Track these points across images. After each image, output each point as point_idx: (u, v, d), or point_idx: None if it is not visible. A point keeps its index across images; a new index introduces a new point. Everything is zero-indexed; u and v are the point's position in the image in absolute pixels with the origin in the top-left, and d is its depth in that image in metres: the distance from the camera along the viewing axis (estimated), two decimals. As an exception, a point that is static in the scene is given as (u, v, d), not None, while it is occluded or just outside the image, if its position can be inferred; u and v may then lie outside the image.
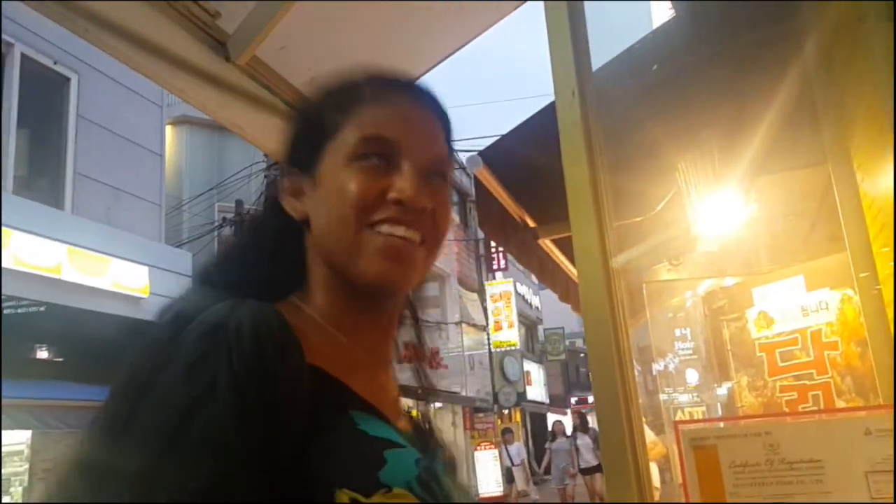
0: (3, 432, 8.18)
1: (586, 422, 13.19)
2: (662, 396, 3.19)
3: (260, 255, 0.82)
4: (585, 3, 1.42)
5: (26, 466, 8.86)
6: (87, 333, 8.53)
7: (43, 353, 9.93)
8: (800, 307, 2.29)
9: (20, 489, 8.77)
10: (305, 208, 0.80)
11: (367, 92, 0.80)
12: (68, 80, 9.47)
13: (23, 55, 8.82)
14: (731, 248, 2.85)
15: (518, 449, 14.70)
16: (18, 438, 8.76)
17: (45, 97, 9.32)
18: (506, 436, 15.17)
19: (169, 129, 11.97)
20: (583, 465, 12.66)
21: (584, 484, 12.98)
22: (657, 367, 3.23)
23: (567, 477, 13.37)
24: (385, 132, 0.76)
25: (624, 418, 1.12)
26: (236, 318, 0.63)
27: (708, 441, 1.18)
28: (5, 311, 8.37)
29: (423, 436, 0.87)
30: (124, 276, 9.05)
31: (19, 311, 8.42)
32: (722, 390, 2.83)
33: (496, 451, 19.77)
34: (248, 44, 1.56)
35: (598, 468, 11.86)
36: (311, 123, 0.82)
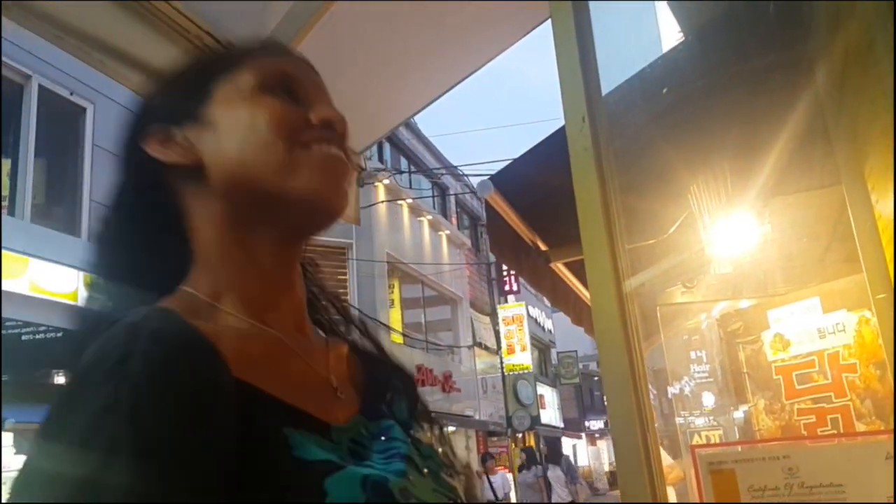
0: (21, 457, 8.18)
1: (557, 452, 11.71)
2: (678, 420, 3.16)
3: (138, 231, 0.72)
4: (595, 28, 1.43)
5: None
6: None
7: (60, 379, 9.97)
8: (816, 329, 2.27)
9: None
10: (196, 152, 0.69)
11: (253, 47, 0.77)
12: (84, 110, 9.63)
13: (40, 87, 8.98)
14: (745, 269, 2.83)
15: (503, 480, 11.56)
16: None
17: (61, 127, 9.48)
18: (486, 463, 12.06)
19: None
20: (554, 501, 10.88)
21: None
22: (673, 390, 3.20)
23: None
24: (287, 69, 0.73)
25: (641, 443, 1.11)
26: (142, 353, 0.52)
27: (726, 465, 1.16)
28: (24, 338, 8.44)
29: (382, 404, 0.75)
30: (139, 303, 9.10)
31: (37, 336, 8.49)
32: (738, 413, 2.80)
33: (510, 475, 19.58)
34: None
35: None
36: (188, 79, 0.74)
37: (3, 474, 9.02)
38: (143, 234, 0.71)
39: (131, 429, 0.48)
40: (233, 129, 0.69)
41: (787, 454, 1.15)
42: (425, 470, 0.68)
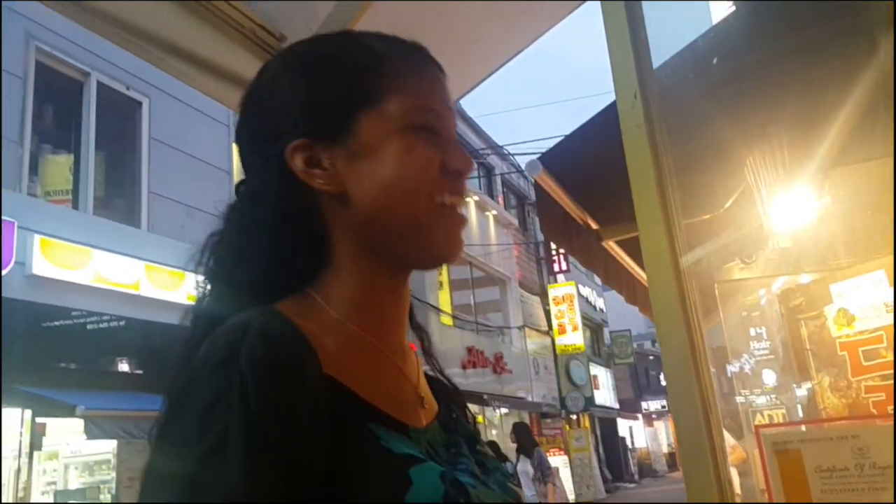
0: (91, 442, 8.56)
1: (529, 441, 9.00)
2: (739, 399, 3.10)
3: (278, 237, 0.73)
4: (644, 1, 1.40)
5: (113, 475, 9.24)
6: (164, 346, 8.82)
7: (124, 366, 10.35)
8: (882, 303, 2.20)
9: (109, 496, 9.15)
10: (341, 181, 0.73)
11: (394, 57, 0.77)
12: (140, 104, 9.91)
13: (98, 83, 9.26)
14: (805, 243, 2.76)
15: (541, 457, 8.91)
16: (105, 448, 9.14)
17: (119, 121, 9.78)
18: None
19: (236, 147, 12.30)
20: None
21: None
22: (732, 368, 3.15)
23: None
24: (429, 103, 0.76)
25: (703, 425, 1.10)
26: (249, 347, 0.60)
27: (791, 445, 1.14)
28: (89, 327, 8.78)
29: (451, 419, 0.83)
30: (198, 290, 9.36)
31: (101, 325, 8.82)
32: (802, 391, 2.74)
33: (565, 458, 19.55)
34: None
35: None
36: (335, 89, 0.75)
37: (76, 459, 9.44)
38: (277, 235, 0.73)
39: (241, 414, 0.57)
40: (379, 173, 0.73)
41: (856, 433, 1.12)
42: (491, 482, 0.74)
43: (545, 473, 8.09)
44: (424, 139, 0.74)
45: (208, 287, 0.77)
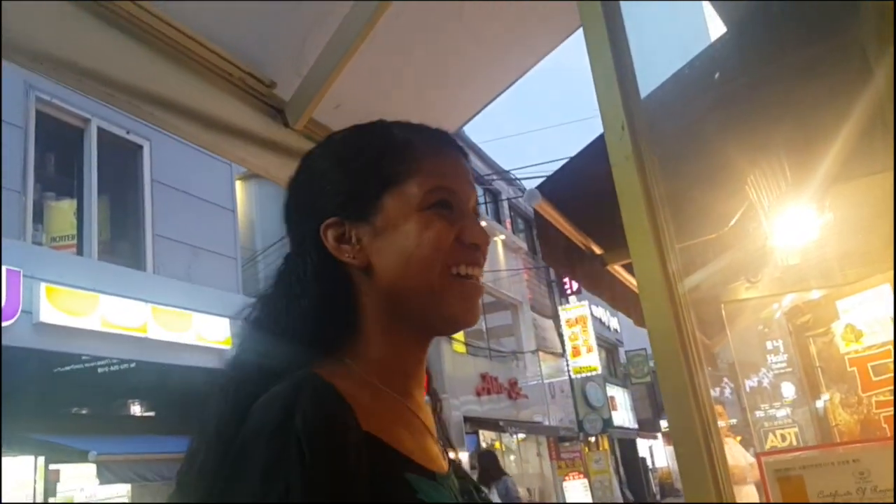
0: (106, 486, 8.52)
1: (495, 470, 8.10)
2: (759, 413, 3.06)
3: (315, 303, 0.83)
4: (630, 29, 1.40)
5: (128, 519, 9.19)
6: (175, 387, 8.84)
7: (136, 409, 10.33)
8: (889, 317, 2.17)
9: (125, 540, 9.09)
10: (367, 255, 0.83)
11: (416, 143, 0.87)
12: (141, 147, 10.01)
13: (98, 128, 9.38)
14: (809, 260, 2.74)
15: (507, 487, 7.83)
16: (119, 491, 9.10)
17: (121, 165, 9.87)
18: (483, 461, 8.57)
19: (239, 185, 12.42)
20: None
21: None
22: (751, 383, 3.11)
23: None
24: (447, 183, 0.85)
25: (704, 449, 1.08)
26: (303, 413, 0.68)
27: (793, 472, 1.12)
28: (99, 371, 8.78)
29: (459, 469, 0.91)
30: (207, 330, 9.37)
31: (112, 369, 8.82)
32: (813, 408, 2.70)
33: (585, 481, 19.29)
34: (304, 108, 1.62)
35: None
36: (361, 175, 0.85)
37: (90, 502, 9.39)
38: (311, 300, 0.83)
39: (299, 475, 0.65)
40: (400, 245, 0.82)
41: (857, 458, 1.10)
42: None
43: (512, 501, 7.42)
44: (441, 216, 0.83)
45: (250, 338, 0.85)
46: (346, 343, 0.83)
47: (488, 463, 8.21)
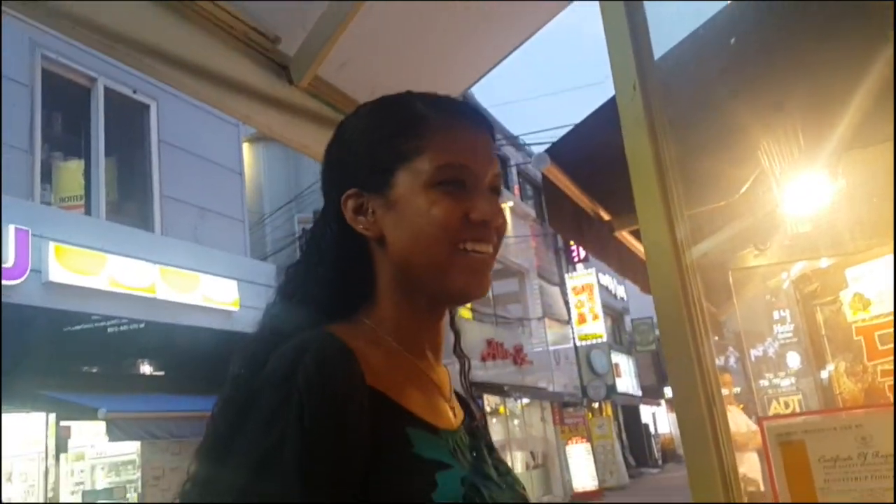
0: (116, 444, 8.69)
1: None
2: (763, 382, 3.06)
3: (332, 270, 0.87)
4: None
5: (138, 474, 9.39)
6: (183, 347, 8.94)
7: (145, 368, 10.46)
8: (899, 287, 2.15)
9: (135, 495, 9.30)
10: (380, 227, 0.86)
11: (433, 118, 0.88)
12: (148, 107, 9.96)
13: (105, 87, 9.32)
14: (820, 228, 2.71)
15: None
16: (129, 449, 9.29)
17: (128, 125, 9.84)
18: None
19: (246, 147, 12.37)
20: None
21: None
22: (756, 352, 3.11)
23: None
24: (459, 159, 0.86)
25: (707, 416, 1.07)
26: (305, 367, 0.73)
27: (795, 436, 1.12)
28: (109, 331, 8.87)
29: (473, 418, 0.95)
30: (214, 291, 9.44)
31: (121, 329, 8.91)
32: (824, 374, 2.70)
33: (588, 445, 19.51)
34: (309, 65, 1.59)
35: None
36: (379, 148, 0.87)
37: (102, 460, 9.59)
38: (332, 266, 0.88)
39: (295, 427, 0.70)
40: (409, 220, 0.85)
41: (859, 423, 1.10)
42: (504, 485, 0.87)
43: None
44: (449, 193, 0.84)
45: (274, 304, 0.89)
46: (362, 307, 0.88)
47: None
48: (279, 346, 0.77)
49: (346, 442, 0.71)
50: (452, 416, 0.89)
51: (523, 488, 0.91)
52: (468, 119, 0.90)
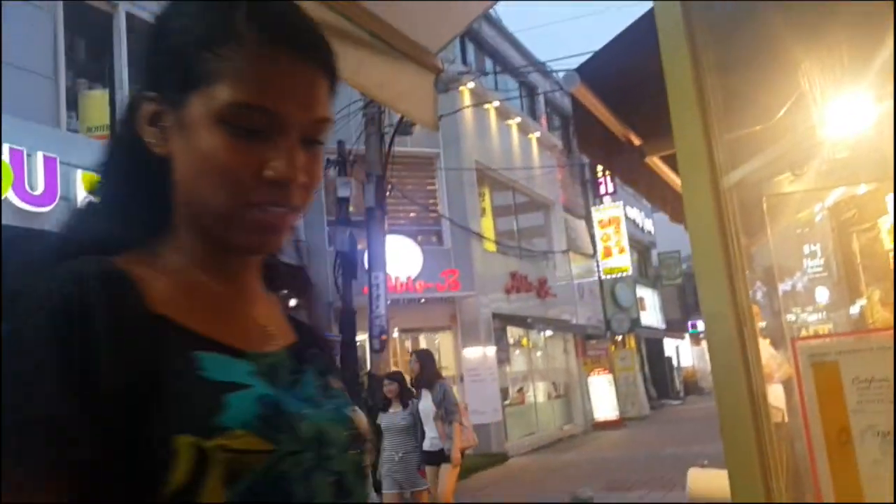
0: None
1: (430, 372, 7.05)
2: (790, 317, 3.02)
3: (117, 191, 0.78)
4: None
5: None
6: None
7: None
8: (943, 213, 2.06)
9: None
10: (168, 146, 0.74)
11: (247, 40, 0.71)
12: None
13: (127, 13, 9.18)
14: (861, 152, 2.60)
15: (444, 392, 6.80)
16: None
17: (151, 52, 9.71)
18: (389, 386, 6.99)
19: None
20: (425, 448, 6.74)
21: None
22: (784, 287, 3.05)
23: (417, 478, 6.65)
24: (260, 100, 0.71)
25: (737, 341, 1.04)
26: (49, 288, 0.65)
27: (828, 357, 1.09)
28: None
29: (307, 353, 0.84)
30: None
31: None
32: (854, 309, 2.64)
33: (610, 377, 19.73)
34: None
35: (441, 455, 6.70)
36: (185, 56, 0.73)
37: None
38: (123, 182, 0.79)
39: (30, 353, 0.62)
40: (194, 153, 0.73)
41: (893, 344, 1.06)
42: (327, 406, 0.78)
43: (449, 411, 6.60)
44: (242, 138, 0.71)
45: (73, 218, 0.80)
46: (167, 231, 0.78)
47: (422, 364, 7.03)
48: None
49: (115, 367, 0.63)
50: (273, 340, 0.80)
51: (355, 410, 0.81)
52: (292, 49, 0.73)
